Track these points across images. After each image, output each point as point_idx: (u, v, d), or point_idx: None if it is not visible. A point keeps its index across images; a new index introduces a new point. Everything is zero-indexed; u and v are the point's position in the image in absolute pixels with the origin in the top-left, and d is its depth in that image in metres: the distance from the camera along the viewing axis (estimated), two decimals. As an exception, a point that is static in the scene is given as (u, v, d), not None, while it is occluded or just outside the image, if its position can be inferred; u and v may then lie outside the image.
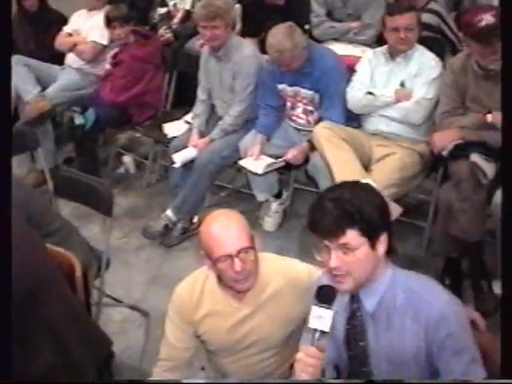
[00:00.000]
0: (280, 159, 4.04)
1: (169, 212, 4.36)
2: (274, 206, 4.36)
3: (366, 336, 2.01)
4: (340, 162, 3.60)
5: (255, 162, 4.05)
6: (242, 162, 4.12)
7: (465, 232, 3.33)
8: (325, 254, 1.91)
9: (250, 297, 2.28)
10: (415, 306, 1.93)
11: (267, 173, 4.08)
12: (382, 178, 3.50)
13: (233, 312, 2.30)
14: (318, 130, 3.77)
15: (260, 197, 4.33)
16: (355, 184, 2.02)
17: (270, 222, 4.34)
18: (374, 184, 3.34)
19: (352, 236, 1.87)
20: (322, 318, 1.86)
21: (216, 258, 2.17)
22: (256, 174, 4.08)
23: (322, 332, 1.86)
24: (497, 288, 3.45)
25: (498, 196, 3.22)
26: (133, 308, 3.81)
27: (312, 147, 3.89)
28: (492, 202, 3.25)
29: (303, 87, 4.00)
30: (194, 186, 4.27)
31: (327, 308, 1.87)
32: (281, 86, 4.08)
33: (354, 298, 2.00)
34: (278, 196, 4.38)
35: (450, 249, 3.54)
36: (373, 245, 1.91)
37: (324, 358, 1.91)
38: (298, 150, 3.98)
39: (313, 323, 1.87)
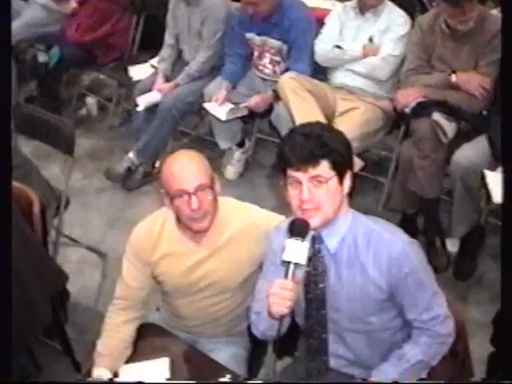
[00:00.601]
0: (242, 105, 4.04)
1: (131, 155, 4.35)
2: (237, 154, 4.37)
3: (326, 277, 2.04)
4: (303, 113, 3.60)
5: (219, 108, 4.03)
6: (206, 105, 4.10)
7: (422, 188, 3.40)
8: (294, 190, 1.93)
9: (207, 239, 2.29)
10: (376, 244, 1.98)
11: (230, 120, 4.08)
12: (344, 130, 3.48)
13: (190, 254, 2.31)
14: (284, 80, 3.76)
15: (223, 145, 4.33)
16: (322, 123, 2.10)
17: (231, 170, 4.35)
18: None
19: (324, 167, 1.90)
20: (296, 251, 1.88)
21: (173, 194, 2.17)
22: (218, 119, 4.07)
23: (297, 264, 1.89)
24: (450, 246, 3.54)
25: (456, 156, 3.27)
26: (90, 249, 3.81)
27: (276, 97, 3.90)
28: (451, 162, 3.30)
29: (272, 37, 3.98)
30: (156, 131, 4.25)
31: (302, 241, 1.89)
32: (249, 35, 4.05)
33: (316, 239, 2.03)
34: (240, 145, 4.39)
35: (406, 205, 3.61)
36: (341, 180, 1.95)
37: (298, 290, 1.95)
38: (261, 98, 3.98)
39: (287, 256, 1.89)
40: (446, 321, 2.05)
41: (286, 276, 1.89)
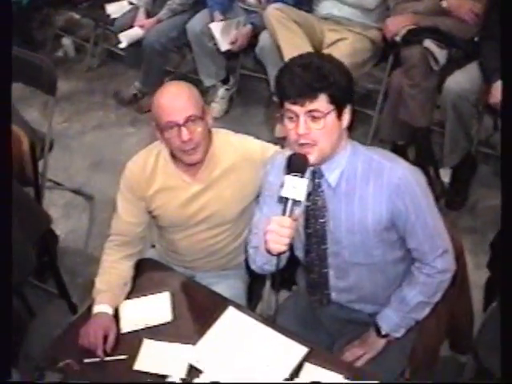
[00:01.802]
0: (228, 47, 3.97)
1: (137, 83, 4.36)
2: (221, 91, 4.31)
3: (326, 212, 2.01)
4: (290, 44, 3.54)
5: (225, 37, 3.96)
6: (212, 25, 3.97)
7: (413, 117, 3.37)
8: (292, 123, 1.88)
9: (202, 172, 2.25)
10: (376, 172, 1.94)
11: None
12: None
13: (185, 187, 2.27)
14: (270, 11, 3.68)
15: (207, 82, 4.26)
16: (322, 54, 2.01)
17: (216, 107, 4.29)
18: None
19: (322, 101, 1.84)
20: (295, 187, 1.84)
21: (163, 126, 2.13)
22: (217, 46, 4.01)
23: (295, 201, 1.85)
24: (442, 176, 3.53)
25: (448, 83, 3.23)
26: (76, 192, 3.76)
27: (255, 30, 3.86)
28: (443, 89, 3.25)
29: None
30: (149, 67, 4.24)
31: (300, 177, 1.85)
32: None
33: (316, 173, 1.98)
34: (225, 81, 4.32)
35: (397, 135, 3.59)
36: (339, 114, 1.88)
37: (296, 227, 1.92)
38: (242, 35, 3.94)
39: (286, 192, 1.84)
40: (445, 255, 2.03)
41: (283, 213, 1.86)
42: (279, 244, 1.86)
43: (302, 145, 1.88)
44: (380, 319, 2.11)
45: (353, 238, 2.00)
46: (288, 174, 1.87)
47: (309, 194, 1.98)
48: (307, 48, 3.52)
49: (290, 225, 1.86)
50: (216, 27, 3.94)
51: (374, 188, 1.94)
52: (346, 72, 1.91)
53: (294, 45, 3.52)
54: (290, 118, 1.88)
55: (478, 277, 2.57)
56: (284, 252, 1.90)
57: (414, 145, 3.62)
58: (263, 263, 2.08)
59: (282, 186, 1.86)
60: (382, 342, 2.13)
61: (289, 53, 3.50)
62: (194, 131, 2.13)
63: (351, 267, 2.09)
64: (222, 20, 3.98)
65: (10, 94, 2.15)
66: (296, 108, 1.85)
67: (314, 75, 1.83)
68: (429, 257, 2.02)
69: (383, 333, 2.11)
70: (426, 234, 1.99)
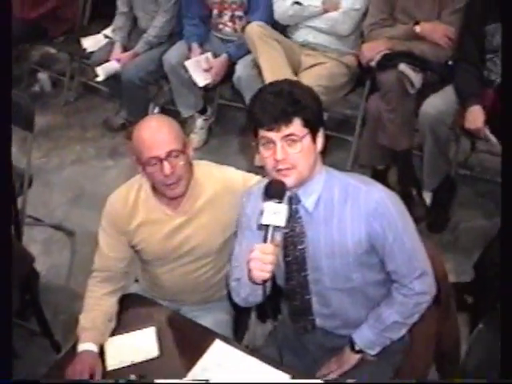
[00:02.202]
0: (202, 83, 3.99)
1: (123, 113, 4.40)
2: (200, 121, 4.31)
3: (304, 238, 2.01)
4: (271, 61, 3.57)
5: (201, 73, 3.98)
6: (188, 63, 3.99)
7: (393, 141, 3.40)
8: (268, 151, 1.88)
9: (184, 204, 2.24)
10: (354, 196, 1.94)
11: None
12: (309, 83, 3.46)
13: (168, 220, 2.26)
14: (252, 27, 3.70)
15: (185, 113, 4.26)
16: (291, 80, 2.03)
17: (195, 138, 4.29)
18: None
19: (297, 125, 1.86)
20: (275, 213, 1.84)
21: (145, 161, 2.12)
22: (195, 82, 4.02)
23: (276, 227, 1.85)
24: (426, 197, 3.54)
25: (424, 106, 3.26)
26: (56, 227, 3.73)
27: (232, 59, 3.90)
28: (419, 113, 3.28)
29: None
30: (131, 100, 4.25)
31: (279, 202, 1.85)
32: None
33: (293, 199, 1.98)
34: (202, 112, 4.32)
35: (377, 160, 3.61)
36: (313, 138, 1.91)
37: (278, 253, 1.92)
38: (218, 65, 3.96)
39: (266, 219, 1.84)
40: (424, 277, 2.03)
41: (265, 240, 1.85)
42: (263, 271, 1.85)
43: (281, 170, 1.88)
44: (355, 335, 2.11)
45: (333, 262, 2.00)
46: (266, 200, 1.87)
47: (287, 221, 1.96)
48: (286, 67, 3.58)
49: (273, 251, 1.85)
50: (190, 64, 3.96)
51: (351, 211, 1.94)
52: (316, 97, 1.95)
53: (274, 61, 3.57)
54: (267, 146, 1.88)
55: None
56: (268, 279, 1.88)
57: (395, 168, 3.64)
58: (247, 294, 2.06)
59: (261, 213, 1.86)
60: (356, 357, 2.13)
61: (269, 68, 3.55)
62: (176, 165, 2.13)
63: (333, 293, 2.08)
64: (200, 51, 4.00)
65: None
66: (272, 134, 1.86)
67: (287, 100, 1.85)
68: (406, 279, 2.02)
69: (357, 348, 2.11)
70: (403, 257, 1.99)
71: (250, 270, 1.88)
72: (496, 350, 2.14)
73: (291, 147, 1.87)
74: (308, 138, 1.88)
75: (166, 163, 2.10)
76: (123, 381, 2.02)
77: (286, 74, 3.52)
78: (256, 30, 3.66)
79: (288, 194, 1.95)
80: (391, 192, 2.01)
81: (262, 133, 1.87)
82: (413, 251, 2.01)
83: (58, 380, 2.08)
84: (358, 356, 2.13)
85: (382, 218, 1.92)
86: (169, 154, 2.11)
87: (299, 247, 2.03)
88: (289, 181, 1.89)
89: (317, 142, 1.93)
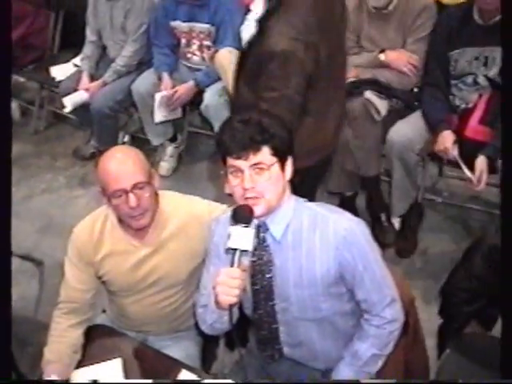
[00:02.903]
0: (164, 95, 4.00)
1: (93, 142, 4.38)
2: (170, 149, 4.32)
3: (272, 267, 2.01)
4: None
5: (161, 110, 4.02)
6: (156, 96, 4.01)
7: (361, 167, 3.42)
8: (236, 179, 1.89)
9: (151, 235, 2.24)
10: (322, 225, 1.94)
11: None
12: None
13: (134, 251, 2.25)
14: (222, 53, 3.71)
15: (155, 141, 4.27)
16: (260, 109, 2.06)
17: (165, 166, 4.30)
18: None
19: (265, 153, 1.87)
20: (242, 237, 1.83)
21: (111, 193, 2.12)
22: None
23: (243, 251, 1.84)
24: (395, 223, 3.57)
25: (391, 134, 3.31)
26: (25, 258, 3.66)
27: (199, 87, 3.93)
28: (386, 140, 3.32)
29: (199, 21, 3.92)
30: (100, 130, 4.23)
31: (246, 226, 1.85)
32: (174, 23, 3.98)
33: (261, 227, 1.98)
34: (172, 140, 4.33)
35: (345, 186, 3.63)
36: (282, 166, 1.92)
37: (245, 278, 1.90)
38: (184, 89, 3.97)
39: (233, 243, 1.83)
40: (393, 304, 2.04)
41: (232, 264, 1.84)
42: (229, 296, 1.84)
43: (249, 198, 1.88)
44: (335, 375, 2.09)
45: (301, 292, 1.99)
46: (233, 225, 1.86)
47: (254, 250, 1.98)
48: None
49: (240, 275, 1.84)
50: (157, 97, 3.98)
51: (320, 240, 1.94)
52: (285, 125, 1.96)
53: None
54: (235, 174, 1.89)
55: (431, 324, 2.58)
56: (235, 304, 1.87)
57: (363, 194, 3.67)
58: (214, 321, 2.05)
59: (228, 237, 1.85)
60: None
61: None
62: (142, 197, 2.12)
63: (300, 323, 2.08)
64: (170, 81, 4.02)
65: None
66: (240, 162, 1.86)
67: (256, 129, 1.86)
68: (377, 307, 2.02)
69: None
70: (374, 285, 1.99)
71: (216, 295, 1.86)
72: (464, 373, 2.16)
73: (259, 175, 1.87)
74: (276, 167, 1.90)
75: (131, 195, 2.09)
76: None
77: None
78: (226, 55, 3.67)
79: (256, 222, 1.95)
80: (359, 220, 2.01)
81: (231, 161, 1.88)
82: (382, 279, 2.02)
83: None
84: None
85: (351, 246, 1.93)
86: (134, 186, 2.10)
87: (267, 276, 2.02)
88: (257, 209, 1.89)
89: (285, 170, 1.94)
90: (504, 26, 2.61)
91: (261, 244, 2.00)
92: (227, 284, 1.83)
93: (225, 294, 1.84)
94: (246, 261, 1.92)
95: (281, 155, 1.90)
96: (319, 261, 1.95)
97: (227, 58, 3.66)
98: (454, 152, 3.10)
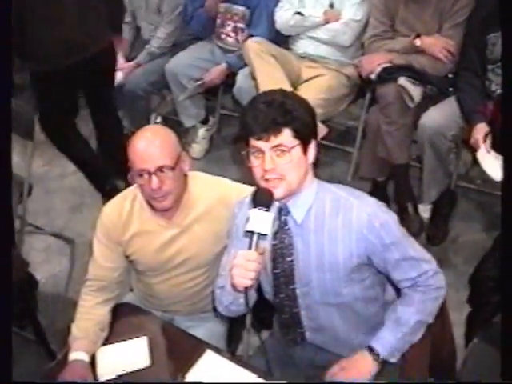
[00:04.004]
0: (198, 82, 4.00)
1: (126, 123, 4.34)
2: (201, 131, 4.32)
3: (293, 250, 2.00)
4: (268, 78, 3.57)
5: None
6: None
7: (391, 154, 3.39)
8: (257, 160, 1.88)
9: (178, 216, 2.24)
10: (345, 210, 1.93)
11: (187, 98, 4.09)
12: (308, 96, 3.46)
13: (161, 231, 2.26)
14: (249, 44, 3.72)
15: (187, 123, 4.28)
16: (284, 91, 1.98)
17: (196, 148, 4.31)
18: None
19: (287, 136, 1.85)
20: (261, 221, 1.83)
21: (135, 172, 2.13)
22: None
23: (261, 235, 1.84)
24: (422, 212, 3.53)
25: (423, 119, 3.26)
26: (56, 236, 3.74)
27: (232, 69, 3.93)
28: (418, 126, 3.28)
29: (235, 3, 3.95)
30: (133, 111, 4.25)
31: (265, 210, 1.84)
32: None
33: (282, 210, 1.98)
34: (204, 122, 4.34)
35: (376, 172, 3.60)
36: (304, 149, 1.90)
37: (263, 261, 1.89)
38: (215, 71, 3.98)
39: (251, 226, 1.83)
40: (436, 275, 2.00)
41: (249, 247, 1.84)
42: (245, 278, 1.84)
43: (269, 180, 1.88)
44: (376, 342, 2.02)
45: (322, 276, 1.98)
46: (253, 207, 1.86)
47: (275, 232, 1.98)
48: (284, 81, 3.56)
49: (256, 258, 1.84)
50: (195, 84, 4.02)
51: (343, 225, 1.92)
52: (309, 108, 1.94)
53: (270, 78, 3.56)
54: (256, 155, 1.88)
55: (459, 312, 2.57)
56: (250, 287, 1.87)
57: (392, 181, 3.64)
58: (229, 303, 2.06)
59: (247, 220, 1.86)
60: (374, 369, 2.03)
61: (265, 85, 3.55)
62: (164, 180, 2.12)
63: (321, 307, 2.06)
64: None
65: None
66: (261, 143, 1.85)
67: (278, 111, 1.85)
68: (419, 279, 1.98)
69: (381, 357, 2.01)
70: (409, 262, 1.96)
71: (231, 276, 1.87)
72: (491, 363, 2.14)
73: (280, 158, 1.86)
74: (298, 150, 1.88)
75: (154, 177, 2.10)
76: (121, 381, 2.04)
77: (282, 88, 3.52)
78: (253, 46, 3.68)
79: (278, 204, 1.95)
80: (382, 204, 1.99)
81: (252, 142, 1.87)
82: (418, 254, 1.99)
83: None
84: (375, 368, 2.03)
85: (377, 230, 1.90)
86: (158, 169, 2.10)
87: (288, 259, 2.01)
88: (277, 192, 1.88)
89: (308, 154, 1.92)
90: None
91: (282, 227, 1.99)
92: (243, 267, 1.84)
93: (240, 277, 1.85)
94: (264, 245, 1.91)
95: (303, 138, 1.88)
96: (341, 245, 1.94)
97: (254, 50, 3.67)
98: (487, 146, 3.04)
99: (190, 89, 3.99)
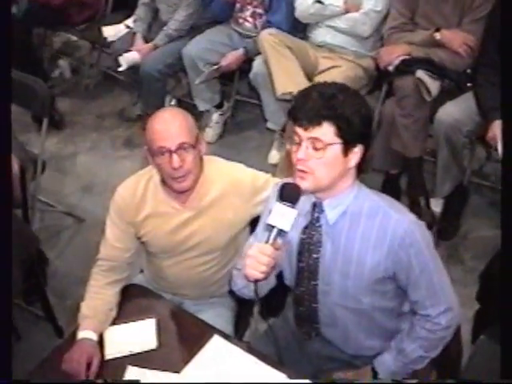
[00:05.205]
0: (214, 67, 3.99)
1: (140, 104, 4.38)
2: (215, 116, 4.32)
3: (321, 248, 1.97)
4: (282, 70, 3.57)
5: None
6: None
7: (406, 147, 3.37)
8: (294, 146, 1.86)
9: (193, 199, 2.24)
10: (382, 219, 1.89)
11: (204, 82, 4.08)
12: None
13: (175, 214, 2.26)
14: (264, 35, 3.71)
15: (201, 106, 4.27)
16: (346, 87, 1.92)
17: (210, 132, 4.30)
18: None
19: (327, 131, 1.80)
20: (283, 216, 1.79)
21: (155, 151, 2.12)
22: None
23: (281, 231, 1.81)
24: (433, 206, 3.52)
25: (440, 113, 3.24)
26: (67, 214, 3.76)
27: (249, 55, 3.92)
28: (434, 120, 3.27)
29: None
30: (148, 92, 4.23)
31: (291, 207, 1.81)
32: None
33: (317, 207, 1.95)
34: (219, 106, 4.33)
35: (389, 164, 3.60)
36: (345, 150, 1.83)
37: (278, 257, 1.87)
38: (232, 56, 3.97)
39: (272, 220, 1.80)
40: (448, 312, 1.98)
41: (267, 240, 1.82)
42: (256, 271, 1.82)
43: (299, 170, 1.85)
44: (377, 363, 2.07)
45: (345, 282, 1.97)
46: (279, 201, 1.83)
47: (305, 227, 1.97)
48: (298, 74, 3.56)
49: (271, 253, 1.81)
50: (210, 69, 4.00)
51: (377, 233, 1.89)
52: (363, 111, 1.85)
53: (284, 71, 3.56)
54: (293, 141, 1.86)
55: (469, 308, 2.56)
56: (260, 280, 1.85)
57: (405, 174, 3.63)
58: (242, 286, 2.06)
59: (269, 212, 1.83)
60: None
61: (279, 78, 3.55)
62: (185, 159, 2.13)
63: (338, 308, 2.05)
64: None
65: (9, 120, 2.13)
66: (300, 131, 1.83)
67: (324, 103, 1.80)
68: (430, 312, 1.97)
69: (379, 377, 2.07)
70: (429, 290, 1.95)
71: (244, 266, 1.86)
72: (498, 361, 2.13)
73: (314, 151, 1.82)
74: (336, 148, 1.82)
75: (175, 156, 2.10)
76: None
77: (296, 81, 3.52)
78: (268, 38, 3.66)
79: (313, 199, 1.94)
80: (421, 223, 1.95)
81: (294, 127, 1.85)
82: (439, 285, 1.96)
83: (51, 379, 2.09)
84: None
85: (409, 248, 1.88)
86: (179, 147, 2.11)
87: (314, 256, 1.99)
88: (304, 184, 1.85)
89: (349, 157, 1.85)
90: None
91: (313, 223, 1.97)
92: (256, 259, 1.82)
93: (252, 268, 1.83)
94: (283, 241, 1.87)
95: (346, 138, 1.81)
96: (371, 252, 1.91)
97: (269, 42, 3.65)
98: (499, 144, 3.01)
99: (206, 72, 3.98)
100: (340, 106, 1.80)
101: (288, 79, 3.55)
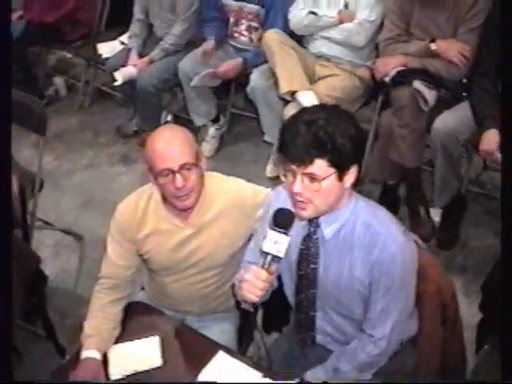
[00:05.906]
0: (208, 71, 3.97)
1: (137, 120, 4.39)
2: (212, 130, 4.32)
3: (317, 260, 2.01)
4: (287, 68, 3.59)
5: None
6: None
7: (404, 158, 3.38)
8: (290, 177, 1.86)
9: (194, 216, 2.24)
10: (371, 241, 1.92)
11: (199, 87, 4.06)
12: (322, 92, 3.54)
13: (177, 231, 2.26)
14: (269, 34, 3.73)
15: (198, 121, 4.27)
16: (334, 108, 1.91)
17: (207, 147, 4.30)
18: (314, 96, 3.41)
19: (320, 166, 1.80)
20: (277, 243, 1.83)
21: (158, 172, 2.12)
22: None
23: (275, 257, 1.84)
24: (432, 216, 3.53)
25: (436, 123, 3.25)
26: (66, 231, 3.74)
27: (246, 66, 3.92)
28: (431, 130, 3.27)
29: (249, 2, 3.94)
30: (143, 108, 4.25)
31: (284, 233, 1.84)
32: (225, 1, 4.00)
33: (313, 222, 1.97)
34: (215, 121, 4.33)
35: (387, 175, 3.60)
36: (340, 176, 1.85)
37: (272, 281, 1.92)
38: (231, 64, 3.96)
39: (267, 247, 1.83)
40: (380, 342, 2.02)
41: (262, 266, 1.85)
42: (252, 295, 1.87)
43: (297, 202, 1.87)
44: (310, 377, 2.08)
45: (338, 294, 2.02)
46: (272, 228, 1.86)
47: (303, 239, 2.00)
48: (302, 74, 3.59)
49: (266, 279, 1.86)
50: (203, 72, 3.95)
51: (366, 252, 1.93)
52: (352, 134, 1.83)
53: (290, 69, 3.59)
54: (289, 174, 1.87)
55: (471, 316, 2.56)
56: (257, 303, 1.90)
57: (404, 184, 3.63)
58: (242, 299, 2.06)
59: (264, 238, 1.86)
60: None
61: (284, 75, 3.58)
62: (188, 178, 2.13)
63: (335, 315, 2.10)
64: (213, 45, 4.06)
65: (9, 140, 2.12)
66: (294, 167, 1.83)
67: (313, 139, 1.78)
68: (376, 333, 2.02)
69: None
70: (380, 314, 1.99)
71: (240, 288, 1.90)
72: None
73: (311, 183, 1.83)
74: (331, 178, 1.83)
75: (178, 176, 2.10)
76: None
77: (300, 81, 3.57)
78: (274, 36, 3.69)
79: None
80: (408, 247, 1.98)
81: (287, 162, 1.84)
82: (394, 313, 2.00)
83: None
84: None
85: (383, 272, 1.93)
86: (182, 167, 2.10)
87: (312, 266, 2.03)
88: (304, 213, 1.89)
89: (344, 180, 1.87)
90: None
91: (311, 236, 2.00)
92: (253, 284, 1.86)
93: (248, 292, 1.87)
94: (275, 266, 1.89)
95: (340, 166, 1.83)
96: (359, 270, 1.96)
97: (274, 40, 3.66)
98: (498, 154, 3.01)
99: (201, 75, 3.94)
100: (330, 139, 1.78)
101: (293, 77, 3.58)
